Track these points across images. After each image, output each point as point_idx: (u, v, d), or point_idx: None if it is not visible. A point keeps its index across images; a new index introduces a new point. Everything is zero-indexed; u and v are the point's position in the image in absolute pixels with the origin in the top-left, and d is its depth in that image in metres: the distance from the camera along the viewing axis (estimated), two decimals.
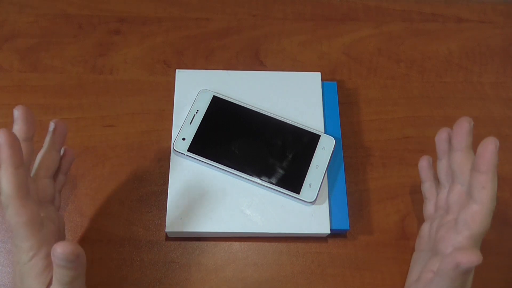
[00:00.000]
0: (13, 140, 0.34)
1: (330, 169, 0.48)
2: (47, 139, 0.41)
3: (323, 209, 0.46)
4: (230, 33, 0.58)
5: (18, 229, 0.34)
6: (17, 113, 0.37)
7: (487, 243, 0.48)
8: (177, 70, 0.52)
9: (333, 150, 0.48)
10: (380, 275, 0.46)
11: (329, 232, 0.46)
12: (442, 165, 0.42)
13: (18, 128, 0.37)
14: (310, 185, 0.46)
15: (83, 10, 0.58)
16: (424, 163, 0.45)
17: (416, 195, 0.50)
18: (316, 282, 0.46)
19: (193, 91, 0.51)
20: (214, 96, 0.50)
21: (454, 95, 0.56)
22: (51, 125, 0.40)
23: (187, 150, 0.47)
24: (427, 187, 0.44)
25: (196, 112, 0.49)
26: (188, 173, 0.47)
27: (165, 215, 0.45)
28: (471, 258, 0.32)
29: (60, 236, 0.40)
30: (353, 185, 0.50)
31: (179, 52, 0.56)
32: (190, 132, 0.48)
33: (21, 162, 0.34)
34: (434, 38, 0.59)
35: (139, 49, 0.56)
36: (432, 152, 0.52)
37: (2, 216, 0.47)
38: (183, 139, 0.48)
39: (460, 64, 0.58)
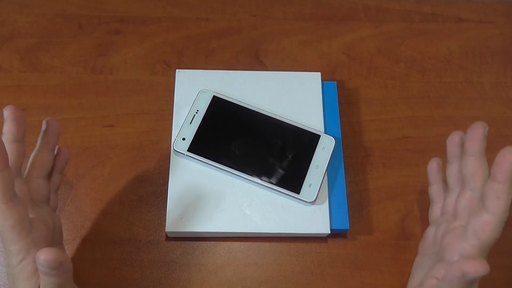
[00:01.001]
0: None
1: (330, 169, 0.48)
2: (39, 138, 0.40)
3: (323, 209, 0.46)
4: (230, 33, 0.58)
5: (5, 232, 0.34)
6: (7, 113, 0.36)
7: None
8: (177, 70, 0.52)
9: (333, 150, 0.48)
10: (380, 275, 0.46)
11: (329, 232, 0.46)
12: (453, 169, 0.41)
13: (7, 129, 0.36)
14: (310, 185, 0.46)
15: (83, 10, 0.58)
16: (434, 165, 0.43)
17: (416, 195, 0.50)
18: (316, 282, 0.46)
19: (193, 91, 0.51)
20: (214, 96, 0.50)
21: (454, 95, 0.56)
22: (44, 124, 0.40)
23: (187, 150, 0.47)
24: (435, 190, 0.43)
25: (196, 112, 0.49)
26: (188, 173, 0.47)
27: (165, 215, 0.45)
28: (478, 268, 0.32)
29: (53, 238, 0.39)
30: (353, 185, 0.50)
31: (179, 52, 0.56)
32: (190, 132, 0.48)
33: (6, 165, 0.33)
34: (434, 38, 0.59)
35: (139, 49, 0.56)
36: (431, 152, 0.52)
37: None
38: (183, 139, 0.48)
39: (460, 64, 0.58)
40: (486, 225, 0.34)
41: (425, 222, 0.48)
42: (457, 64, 0.58)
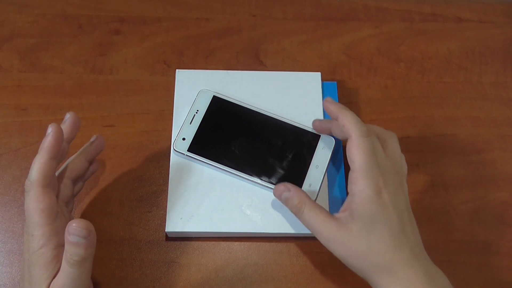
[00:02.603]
0: (59, 134, 0.38)
1: (330, 169, 0.48)
2: (84, 146, 0.44)
3: None
4: (230, 33, 0.58)
5: (34, 216, 0.36)
6: (68, 116, 0.41)
7: (487, 243, 0.48)
8: (177, 70, 0.52)
9: (333, 150, 0.48)
10: None
11: None
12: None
13: (63, 128, 0.40)
14: (310, 185, 0.46)
15: (83, 10, 0.58)
16: (316, 123, 0.48)
17: (415, 195, 0.50)
18: (316, 282, 0.46)
19: (193, 91, 0.51)
20: (214, 96, 0.50)
21: (454, 95, 0.56)
22: (93, 138, 0.44)
23: (187, 150, 0.47)
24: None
25: (196, 112, 0.49)
26: (188, 173, 0.47)
27: (165, 215, 0.45)
28: (277, 188, 0.43)
29: None
30: None
31: (179, 52, 0.56)
32: (190, 132, 0.48)
33: (56, 155, 0.38)
34: (434, 38, 0.59)
35: (139, 49, 0.56)
36: (431, 152, 0.52)
37: (2, 217, 0.47)
38: (183, 139, 0.48)
39: (460, 64, 0.58)
40: (343, 128, 0.41)
41: (424, 222, 0.48)
42: (457, 64, 0.58)
